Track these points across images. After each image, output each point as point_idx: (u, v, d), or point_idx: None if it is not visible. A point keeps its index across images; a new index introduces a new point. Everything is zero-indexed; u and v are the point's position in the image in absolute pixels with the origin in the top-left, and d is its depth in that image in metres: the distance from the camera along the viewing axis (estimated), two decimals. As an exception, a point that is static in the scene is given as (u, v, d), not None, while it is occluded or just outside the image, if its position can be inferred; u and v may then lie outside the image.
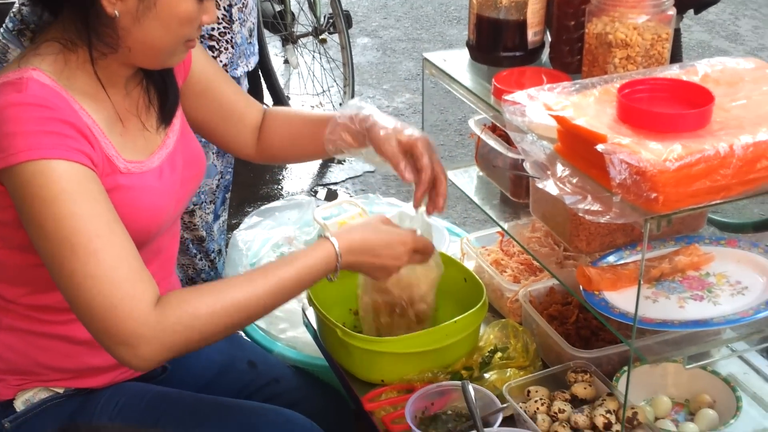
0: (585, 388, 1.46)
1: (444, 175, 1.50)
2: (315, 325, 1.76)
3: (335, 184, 3.72)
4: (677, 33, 1.93)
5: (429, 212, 1.52)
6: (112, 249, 1.23)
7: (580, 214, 1.19)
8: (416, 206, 1.50)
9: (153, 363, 1.24)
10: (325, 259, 1.36)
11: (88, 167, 1.26)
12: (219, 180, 2.32)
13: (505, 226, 1.68)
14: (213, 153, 2.25)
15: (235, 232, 2.44)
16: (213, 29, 2.10)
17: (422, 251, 1.49)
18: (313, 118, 1.65)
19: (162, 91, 1.46)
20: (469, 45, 1.67)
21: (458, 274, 1.73)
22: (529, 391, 1.49)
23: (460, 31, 5.22)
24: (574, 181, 1.22)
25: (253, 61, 2.27)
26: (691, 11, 1.99)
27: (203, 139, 2.20)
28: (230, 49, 2.15)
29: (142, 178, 1.39)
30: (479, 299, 1.61)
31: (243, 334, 2.15)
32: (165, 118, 1.47)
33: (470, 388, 1.43)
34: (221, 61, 2.14)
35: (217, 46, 2.12)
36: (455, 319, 1.56)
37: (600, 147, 1.14)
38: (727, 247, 1.41)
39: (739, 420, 1.39)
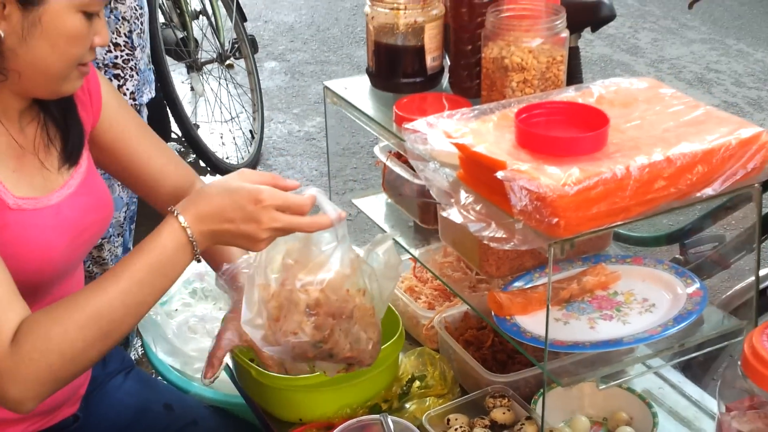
0: (504, 413, 1.45)
1: None
2: (230, 364, 1.71)
3: (249, 212, 3.66)
4: (575, 51, 1.96)
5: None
6: None
7: (485, 242, 1.18)
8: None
9: (28, 402, 1.15)
10: (173, 234, 1.21)
11: None
12: (125, 212, 2.26)
13: (416, 252, 1.67)
14: (118, 185, 2.20)
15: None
16: (116, 57, 2.06)
17: (292, 209, 1.25)
18: None
19: (63, 130, 1.39)
20: (369, 72, 1.66)
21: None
22: (449, 420, 1.47)
23: (368, 51, 5.23)
24: (478, 208, 1.22)
25: (153, 88, 2.23)
26: (589, 29, 2.02)
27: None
28: (135, 77, 2.11)
29: (36, 215, 1.32)
30: (396, 330, 1.58)
31: (158, 377, 2.09)
32: (67, 159, 1.39)
33: (389, 421, 1.41)
34: (128, 89, 2.09)
35: (122, 74, 2.07)
36: None
37: (500, 174, 1.13)
38: (633, 265, 1.42)
39: (655, 436, 1.40)
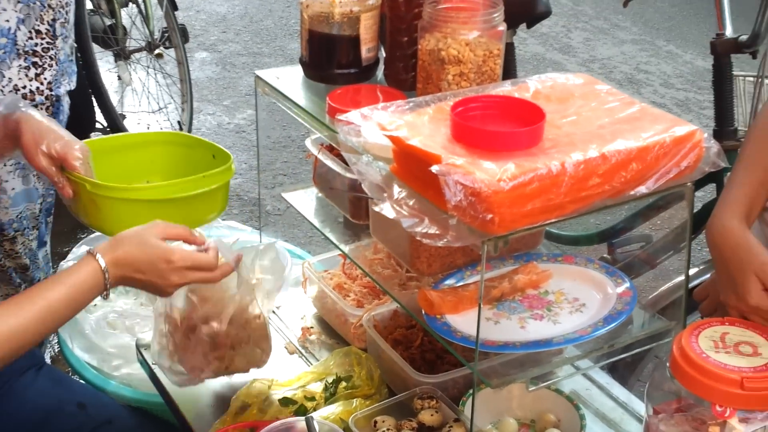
0: (432, 415, 1.42)
1: None
2: (149, 362, 1.65)
3: (175, 205, 3.57)
4: (510, 47, 1.94)
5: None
6: None
7: (418, 238, 1.15)
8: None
9: None
10: (92, 274, 1.29)
11: None
12: (41, 204, 2.17)
13: (346, 248, 1.63)
14: (34, 175, 2.11)
15: (62, 263, 2.27)
16: (36, 45, 1.98)
17: (202, 267, 1.37)
18: None
19: None
20: (302, 62, 1.61)
21: (207, 152, 1.69)
22: (375, 422, 1.43)
23: (301, 45, 5.17)
24: (411, 203, 1.18)
25: (74, 79, 2.16)
26: (524, 25, 2.00)
27: (23, 161, 2.05)
28: (54, 66, 2.04)
29: None
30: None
31: (73, 374, 2.01)
32: None
33: (315, 423, 1.36)
34: (45, 78, 2.02)
35: (40, 63, 2.00)
36: (198, 175, 1.54)
37: (434, 168, 1.10)
38: (564, 264, 1.41)
39: (583, 438, 1.39)
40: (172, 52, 3.97)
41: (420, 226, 1.14)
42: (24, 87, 1.97)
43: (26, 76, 1.98)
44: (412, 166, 1.18)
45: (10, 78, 1.94)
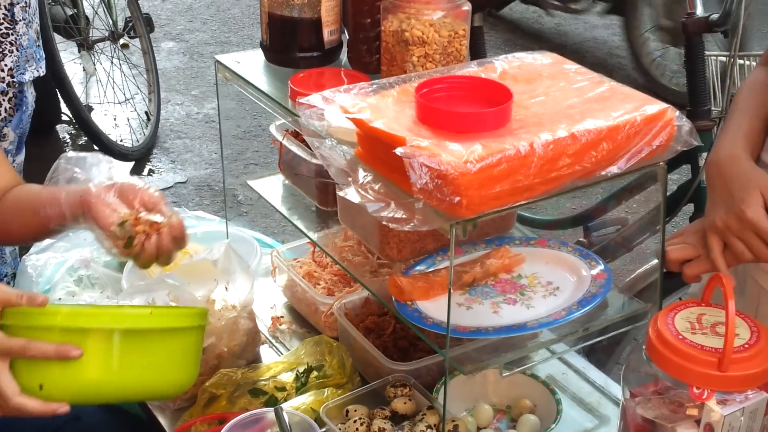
0: (405, 403, 1.39)
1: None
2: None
3: (144, 197, 3.52)
4: (479, 31, 1.91)
5: None
6: None
7: (384, 222, 1.12)
8: None
9: None
10: None
11: None
12: None
13: (315, 236, 1.59)
14: None
15: (24, 256, 2.21)
16: None
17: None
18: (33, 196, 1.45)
19: None
20: (263, 46, 1.57)
21: None
22: (347, 411, 1.40)
23: (270, 33, 5.11)
24: (377, 187, 1.15)
25: (43, 65, 2.10)
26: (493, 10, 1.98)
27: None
28: (15, 52, 1.98)
29: None
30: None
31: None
32: None
33: (284, 414, 1.33)
34: (6, 65, 1.95)
35: None
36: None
37: (399, 150, 1.07)
38: (538, 247, 1.38)
39: (560, 423, 1.36)
40: (137, 41, 3.92)
41: (386, 211, 1.11)
42: None
43: None
44: (377, 150, 1.15)
45: None
